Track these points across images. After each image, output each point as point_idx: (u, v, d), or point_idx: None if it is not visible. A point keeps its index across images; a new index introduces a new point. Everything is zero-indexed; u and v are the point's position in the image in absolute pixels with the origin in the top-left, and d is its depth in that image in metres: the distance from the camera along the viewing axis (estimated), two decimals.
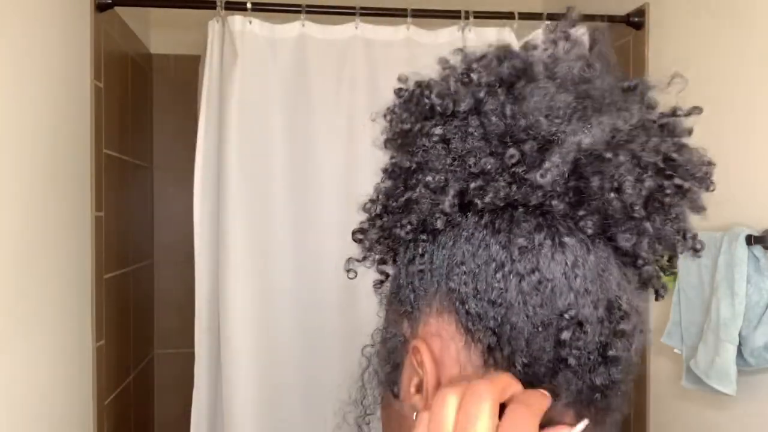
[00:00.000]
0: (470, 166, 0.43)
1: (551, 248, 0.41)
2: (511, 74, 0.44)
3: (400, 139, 0.47)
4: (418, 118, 0.45)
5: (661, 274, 0.48)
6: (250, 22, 1.65)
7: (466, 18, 1.73)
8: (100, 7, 1.63)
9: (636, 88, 0.46)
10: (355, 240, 0.50)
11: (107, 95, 1.71)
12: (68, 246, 1.44)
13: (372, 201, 0.48)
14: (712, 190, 0.48)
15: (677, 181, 0.44)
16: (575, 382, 0.41)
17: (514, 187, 0.42)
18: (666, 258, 0.47)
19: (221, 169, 1.64)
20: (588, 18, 1.83)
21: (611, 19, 1.84)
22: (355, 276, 0.51)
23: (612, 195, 0.41)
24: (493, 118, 0.42)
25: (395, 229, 0.46)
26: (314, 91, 1.70)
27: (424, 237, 0.45)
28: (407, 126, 0.45)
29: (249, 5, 1.63)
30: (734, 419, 1.43)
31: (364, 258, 0.50)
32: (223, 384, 1.66)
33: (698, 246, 0.48)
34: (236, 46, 1.63)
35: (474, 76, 0.44)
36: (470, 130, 0.43)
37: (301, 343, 1.70)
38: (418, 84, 0.46)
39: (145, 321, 2.24)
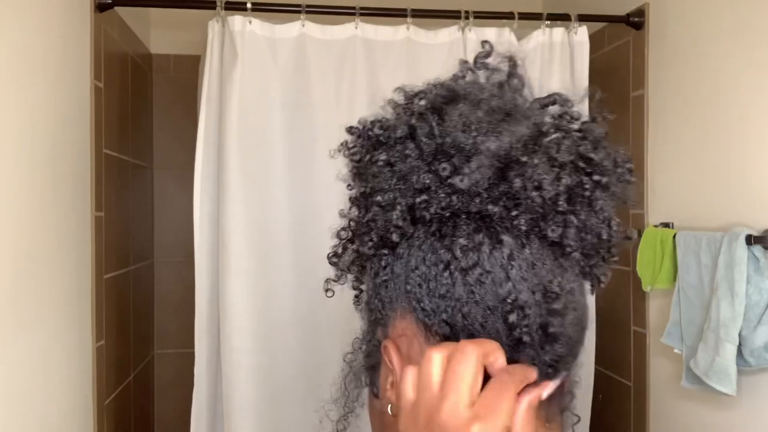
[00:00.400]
0: (413, 183, 0.49)
1: (490, 246, 0.47)
2: (439, 101, 0.51)
3: (356, 170, 0.54)
4: (368, 150, 0.53)
5: (602, 263, 0.54)
6: (250, 22, 1.65)
7: (466, 18, 1.73)
8: (100, 7, 1.63)
9: (554, 102, 0.53)
10: (330, 263, 0.57)
11: (107, 95, 1.71)
12: (68, 246, 1.44)
13: (344, 228, 0.56)
14: (631, 183, 0.54)
15: (595, 177, 0.50)
16: (537, 358, 0.47)
17: (454, 198, 0.48)
18: (606, 249, 0.53)
19: (221, 169, 1.64)
20: (588, 18, 1.83)
21: (611, 19, 1.84)
22: (333, 294, 0.59)
23: (534, 193, 0.47)
24: (425, 140, 0.49)
25: (361, 248, 0.53)
26: (314, 91, 1.70)
27: (385, 252, 0.52)
28: (358, 157, 0.53)
29: (249, 5, 1.63)
30: (734, 419, 1.43)
31: (339, 278, 0.58)
32: (223, 384, 1.66)
33: (629, 234, 0.54)
34: (236, 46, 1.63)
35: (409, 107, 0.52)
36: (407, 152, 0.50)
37: (300, 342, 1.70)
38: (365, 121, 0.54)
39: (145, 321, 2.24)
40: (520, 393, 0.44)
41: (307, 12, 1.69)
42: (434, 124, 0.49)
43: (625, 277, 1.87)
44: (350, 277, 0.58)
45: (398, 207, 0.50)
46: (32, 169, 1.26)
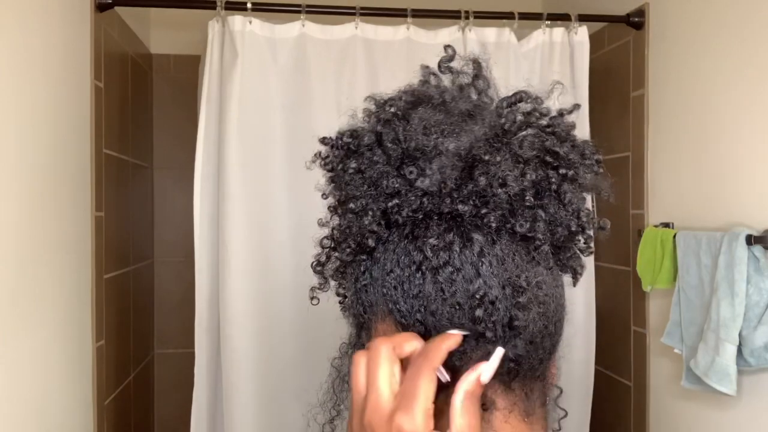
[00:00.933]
0: (384, 189, 0.51)
1: (460, 244, 0.48)
2: (405, 107, 0.52)
3: (331, 179, 0.56)
4: (341, 159, 0.54)
5: (577, 254, 0.55)
6: (250, 22, 1.65)
7: (466, 18, 1.73)
8: (100, 7, 1.63)
9: (521, 99, 0.54)
10: (315, 272, 0.58)
11: (107, 95, 1.71)
12: (68, 246, 1.44)
13: (326, 237, 0.57)
14: (600, 174, 0.55)
15: (561, 170, 0.51)
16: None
17: (425, 200, 0.49)
18: (583, 240, 0.54)
19: (221, 169, 1.64)
20: (588, 18, 1.83)
21: (611, 19, 1.84)
22: (318, 302, 0.60)
23: (500, 190, 0.48)
24: (390, 145, 0.51)
25: (341, 255, 0.54)
26: (314, 91, 1.70)
27: (363, 257, 0.53)
28: (331, 167, 0.55)
29: (249, 5, 1.63)
30: (734, 419, 1.43)
31: (323, 286, 0.59)
32: (223, 384, 1.66)
33: (602, 224, 0.56)
34: (236, 46, 1.63)
35: (375, 116, 0.54)
36: (375, 158, 0.51)
37: (300, 342, 1.70)
38: (337, 132, 0.55)
39: (145, 321, 2.24)
40: (457, 381, 0.45)
41: (307, 12, 1.69)
42: (400, 129, 0.51)
43: (625, 277, 1.87)
44: (333, 284, 0.60)
45: (370, 212, 0.51)
46: (32, 169, 1.26)
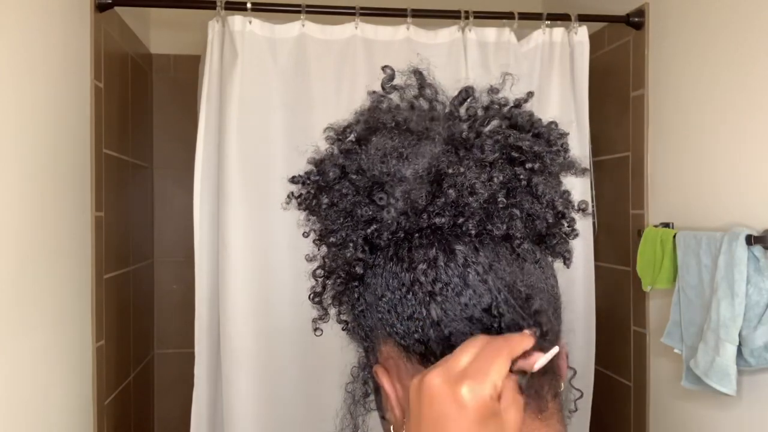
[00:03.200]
0: (360, 217, 0.51)
1: (444, 258, 0.49)
2: (363, 134, 0.54)
3: (308, 215, 0.57)
4: (314, 195, 0.55)
5: (563, 240, 0.55)
6: (250, 22, 1.65)
7: (466, 18, 1.73)
8: (100, 7, 1.63)
9: (468, 95, 0.54)
10: (314, 304, 0.58)
11: (107, 95, 1.71)
12: (68, 246, 1.44)
13: (318, 267, 0.57)
14: (568, 157, 0.54)
15: (528, 165, 0.50)
16: None
17: (402, 220, 0.50)
18: (566, 225, 0.54)
19: (221, 169, 1.64)
20: (588, 18, 1.83)
21: (611, 19, 1.84)
22: (321, 333, 0.60)
23: (470, 199, 0.49)
24: (355, 177, 0.52)
25: (333, 286, 0.55)
26: (314, 91, 1.70)
27: (355, 284, 0.54)
28: (305, 205, 0.56)
29: (249, 5, 1.63)
30: (734, 419, 1.43)
31: (323, 317, 0.59)
32: (223, 384, 1.66)
33: (581, 206, 0.56)
34: (236, 46, 1.63)
35: (337, 146, 0.55)
36: (344, 191, 0.52)
37: (300, 342, 1.70)
38: (304, 172, 0.57)
39: (145, 321, 2.24)
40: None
41: (307, 12, 1.69)
42: (362, 158, 0.52)
43: (625, 277, 1.87)
44: (333, 312, 0.60)
45: (351, 243, 0.52)
46: (32, 169, 1.26)
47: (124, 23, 1.92)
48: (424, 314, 0.48)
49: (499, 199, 0.49)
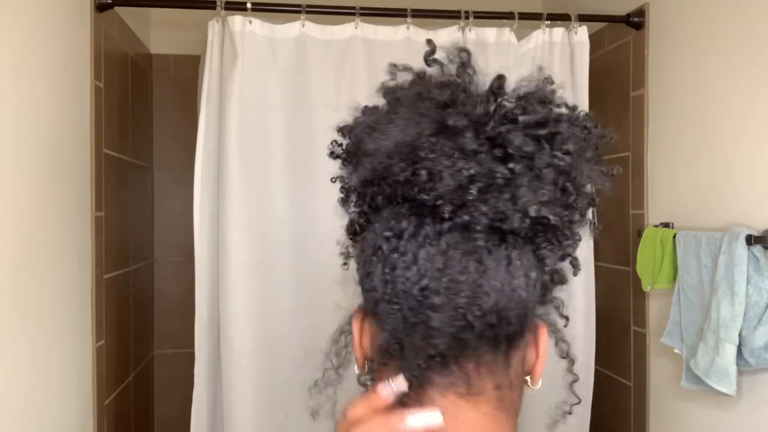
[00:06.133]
0: (365, 178, 0.55)
1: (410, 233, 0.51)
2: (373, 118, 0.57)
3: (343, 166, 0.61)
4: (349, 172, 0.59)
5: (550, 248, 0.54)
6: (250, 22, 1.65)
7: (466, 18, 1.73)
8: (100, 7, 1.63)
9: (501, 84, 0.54)
10: (348, 235, 0.61)
11: (107, 95, 1.71)
12: (68, 246, 1.44)
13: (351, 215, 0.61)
14: (562, 166, 0.52)
15: (511, 164, 0.49)
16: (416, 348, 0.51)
17: (398, 188, 0.51)
18: (553, 237, 0.53)
19: (221, 169, 1.64)
20: (588, 18, 1.83)
21: (611, 19, 1.84)
22: (348, 267, 0.62)
23: (438, 184, 0.49)
24: (350, 141, 0.58)
25: (346, 233, 0.60)
26: (314, 91, 1.70)
27: (356, 238, 0.58)
28: (344, 183, 0.60)
29: (249, 5, 1.63)
30: (734, 419, 1.43)
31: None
32: (223, 384, 1.66)
33: (581, 211, 0.55)
34: (236, 46, 1.63)
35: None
36: (351, 151, 0.58)
37: (301, 342, 1.70)
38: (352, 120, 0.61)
39: (145, 321, 2.24)
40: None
41: (307, 12, 1.69)
42: (358, 126, 0.57)
43: (625, 277, 1.86)
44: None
45: (356, 197, 0.57)
46: (32, 169, 1.26)
47: (124, 23, 1.92)
48: (376, 277, 0.51)
49: (469, 191, 0.49)
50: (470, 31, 1.74)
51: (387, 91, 0.57)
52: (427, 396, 0.51)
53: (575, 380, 0.60)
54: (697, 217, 1.55)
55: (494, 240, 0.50)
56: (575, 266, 0.56)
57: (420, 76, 0.57)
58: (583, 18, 1.81)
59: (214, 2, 1.63)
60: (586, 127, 0.54)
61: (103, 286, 1.67)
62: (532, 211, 0.50)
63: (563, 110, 0.54)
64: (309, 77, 1.69)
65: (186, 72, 2.27)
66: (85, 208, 1.55)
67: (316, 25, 1.70)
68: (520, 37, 1.79)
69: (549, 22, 1.79)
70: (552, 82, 0.55)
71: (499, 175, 0.49)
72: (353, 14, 1.71)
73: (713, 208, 1.49)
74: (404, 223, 0.51)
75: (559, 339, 0.60)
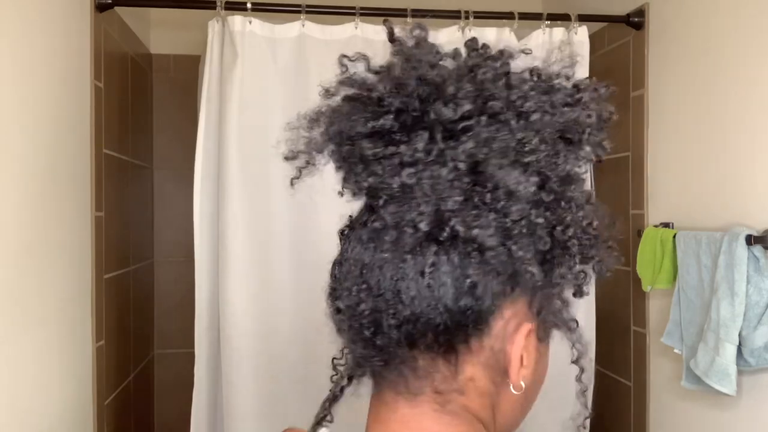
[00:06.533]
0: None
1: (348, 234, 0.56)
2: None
3: None
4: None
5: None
6: (250, 22, 1.65)
7: (466, 18, 1.73)
8: (100, 7, 1.63)
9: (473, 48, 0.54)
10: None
11: (107, 95, 1.71)
12: (68, 246, 1.44)
13: None
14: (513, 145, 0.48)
15: (411, 170, 0.48)
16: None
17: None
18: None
19: (221, 169, 1.64)
20: (588, 18, 1.83)
21: (611, 19, 1.84)
22: None
23: (359, 167, 0.52)
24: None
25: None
26: (314, 91, 1.68)
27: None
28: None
29: (249, 5, 1.63)
30: (734, 419, 1.43)
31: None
32: (223, 384, 1.66)
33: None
34: (236, 46, 1.63)
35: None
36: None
37: (301, 342, 1.70)
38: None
39: (145, 321, 2.24)
40: None
41: (307, 12, 1.69)
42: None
43: (625, 277, 1.86)
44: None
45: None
46: (32, 169, 1.26)
47: (124, 23, 1.92)
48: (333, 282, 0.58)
49: (378, 198, 0.51)
50: (470, 31, 1.74)
51: (328, 92, 0.57)
52: (377, 387, 0.55)
53: (584, 389, 0.57)
54: (697, 217, 1.55)
55: (409, 244, 0.48)
56: (585, 284, 0.52)
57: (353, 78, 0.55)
58: (583, 18, 1.81)
59: (214, 2, 1.63)
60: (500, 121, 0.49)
61: (103, 286, 1.67)
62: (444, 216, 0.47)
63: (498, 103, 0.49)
64: (309, 77, 1.69)
65: (186, 72, 2.27)
66: (85, 208, 1.55)
67: (316, 25, 1.70)
68: (520, 37, 1.79)
69: (549, 22, 1.79)
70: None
71: (395, 186, 0.48)
72: (353, 14, 1.71)
73: (713, 208, 1.49)
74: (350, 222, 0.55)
75: (573, 342, 0.55)
